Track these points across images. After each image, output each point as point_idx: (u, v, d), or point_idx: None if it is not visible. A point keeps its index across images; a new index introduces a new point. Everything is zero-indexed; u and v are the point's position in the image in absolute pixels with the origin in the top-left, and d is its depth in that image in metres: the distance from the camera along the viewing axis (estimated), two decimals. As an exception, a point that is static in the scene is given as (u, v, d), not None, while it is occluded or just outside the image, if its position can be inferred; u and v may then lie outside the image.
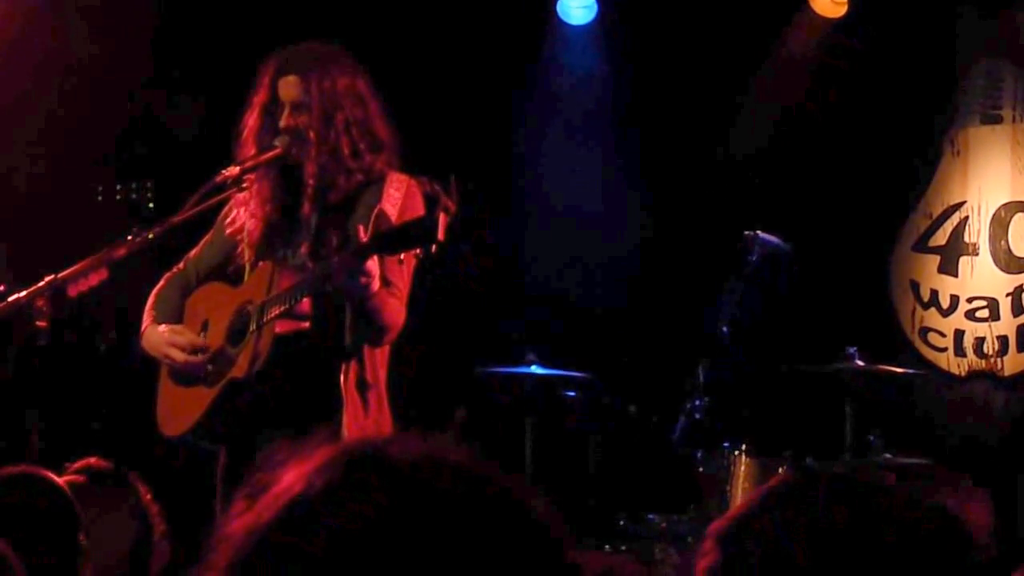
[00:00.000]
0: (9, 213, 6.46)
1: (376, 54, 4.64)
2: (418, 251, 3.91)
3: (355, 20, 6.45)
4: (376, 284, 4.07)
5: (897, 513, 1.51)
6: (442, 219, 3.80)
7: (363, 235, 3.98)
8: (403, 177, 4.34)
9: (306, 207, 4.37)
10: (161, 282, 4.69)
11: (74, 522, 2.61)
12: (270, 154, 4.37)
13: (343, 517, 1.00)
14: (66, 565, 2.53)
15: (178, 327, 4.53)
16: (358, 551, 0.98)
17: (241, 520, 1.04)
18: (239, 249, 4.52)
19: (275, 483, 1.04)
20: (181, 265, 4.70)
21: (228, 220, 4.56)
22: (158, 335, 4.52)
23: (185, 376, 4.47)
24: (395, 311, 4.26)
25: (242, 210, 4.49)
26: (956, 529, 1.52)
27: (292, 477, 1.04)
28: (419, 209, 4.07)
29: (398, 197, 4.26)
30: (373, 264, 4.03)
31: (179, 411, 4.48)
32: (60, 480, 2.83)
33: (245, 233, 4.50)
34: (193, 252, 4.70)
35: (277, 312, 4.21)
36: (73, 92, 6.59)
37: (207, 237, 4.68)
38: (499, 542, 1.01)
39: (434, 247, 3.85)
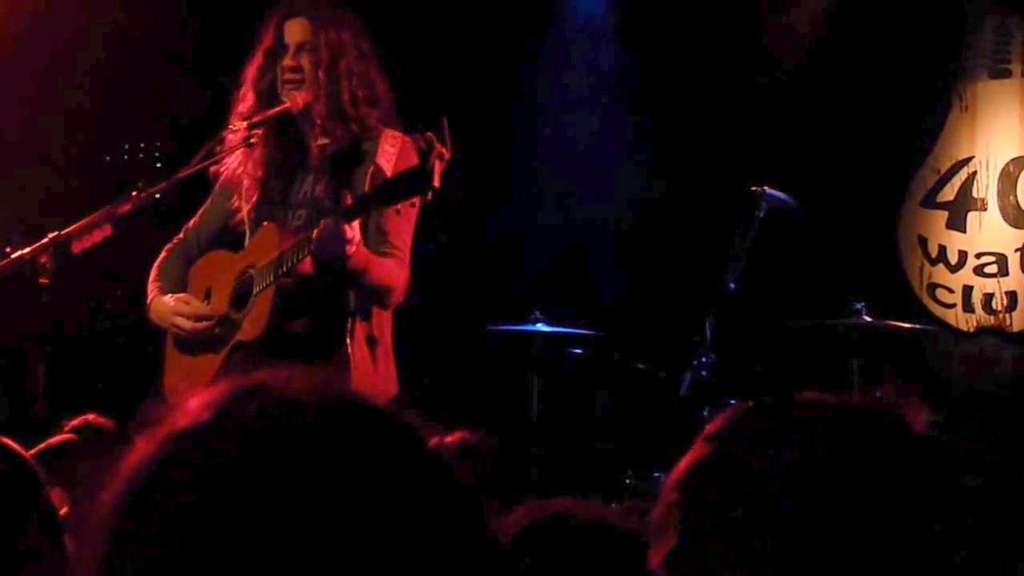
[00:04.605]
0: (24, 177, 6.45)
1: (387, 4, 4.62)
2: (415, 201, 3.90)
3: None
4: (354, 248, 4.04)
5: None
6: (437, 166, 3.78)
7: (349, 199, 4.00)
8: (397, 134, 4.33)
9: (314, 152, 4.37)
10: (162, 254, 4.67)
11: (34, 493, 2.54)
12: (278, 108, 4.36)
13: (223, 449, 1.00)
14: (16, 536, 2.46)
15: (183, 295, 4.53)
16: (237, 484, 0.97)
17: (133, 455, 1.03)
18: (235, 206, 4.51)
19: (172, 418, 1.04)
20: (181, 235, 4.68)
21: (220, 180, 4.56)
22: (164, 305, 4.52)
23: (192, 345, 4.47)
24: (391, 273, 4.23)
25: (235, 167, 4.49)
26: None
27: (185, 411, 1.04)
28: (414, 162, 4.06)
29: (393, 152, 4.25)
30: (352, 229, 4.02)
31: (188, 381, 4.47)
32: (19, 447, 2.79)
33: (244, 192, 4.48)
34: (192, 221, 4.68)
35: (278, 274, 4.20)
36: (94, 61, 6.56)
37: (205, 205, 4.66)
38: (386, 476, 1.00)
39: (430, 194, 3.84)
